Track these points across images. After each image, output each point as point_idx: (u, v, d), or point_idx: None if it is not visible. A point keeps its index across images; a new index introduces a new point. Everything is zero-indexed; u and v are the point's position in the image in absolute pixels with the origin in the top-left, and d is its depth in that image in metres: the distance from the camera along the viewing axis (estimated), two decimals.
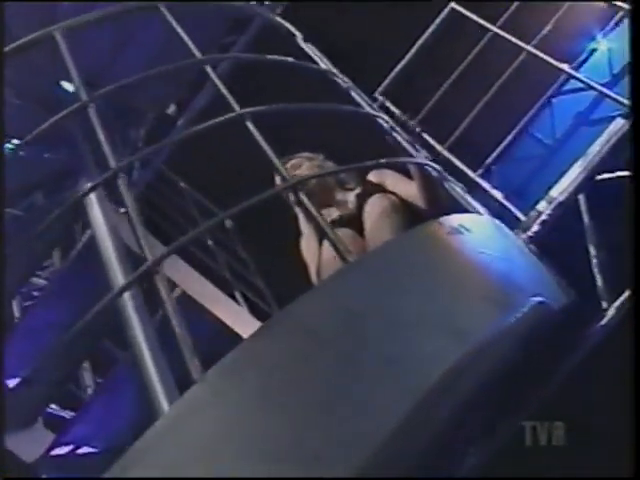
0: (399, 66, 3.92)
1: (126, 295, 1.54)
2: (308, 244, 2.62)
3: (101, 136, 1.74)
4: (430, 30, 3.80)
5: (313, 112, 2.14)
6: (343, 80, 2.62)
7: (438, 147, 3.64)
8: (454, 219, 1.81)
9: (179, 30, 2.17)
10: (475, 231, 1.83)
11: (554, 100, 6.01)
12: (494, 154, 3.58)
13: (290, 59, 2.35)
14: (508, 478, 2.07)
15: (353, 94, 2.58)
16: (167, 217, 4.07)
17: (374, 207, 2.47)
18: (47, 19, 2.52)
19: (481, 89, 3.73)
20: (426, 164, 2.29)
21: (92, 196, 2.19)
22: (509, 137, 3.62)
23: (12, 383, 3.30)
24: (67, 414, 3.79)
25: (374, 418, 1.20)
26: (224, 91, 1.92)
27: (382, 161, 2.17)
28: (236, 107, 1.85)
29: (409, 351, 1.28)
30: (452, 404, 1.25)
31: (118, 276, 1.69)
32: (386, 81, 3.94)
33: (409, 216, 2.45)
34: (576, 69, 5.52)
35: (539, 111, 5.86)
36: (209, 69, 2.00)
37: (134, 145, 5.03)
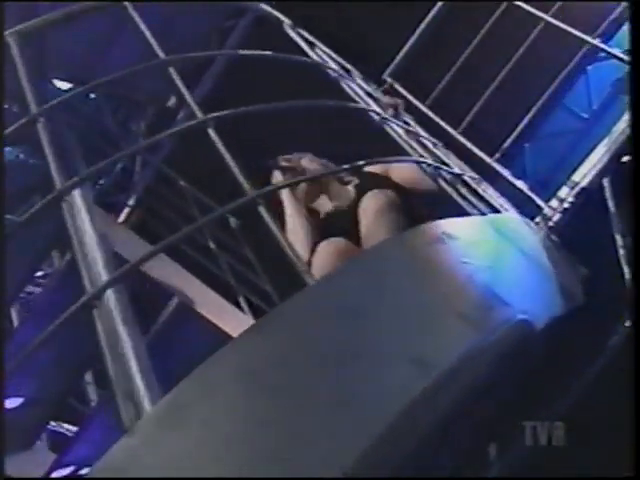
0: (407, 45, 3.84)
1: (108, 294, 1.52)
2: (295, 238, 2.59)
3: (49, 153, 1.73)
4: (439, 5, 3.72)
5: (292, 110, 2.10)
6: (333, 70, 2.58)
7: (451, 131, 3.56)
8: (438, 226, 1.77)
9: (144, 29, 2.15)
10: (462, 237, 1.78)
11: (589, 68, 5.85)
12: (513, 135, 3.48)
13: (269, 52, 2.30)
14: (508, 478, 2.08)
15: (343, 84, 2.54)
16: (166, 220, 4.06)
17: (369, 205, 2.44)
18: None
19: (498, 65, 3.64)
20: (422, 162, 2.24)
21: (77, 199, 2.21)
22: (528, 117, 3.51)
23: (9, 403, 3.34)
24: (70, 431, 3.83)
25: (328, 455, 1.17)
26: (187, 96, 1.89)
27: (371, 160, 2.13)
28: (199, 114, 1.82)
29: (368, 383, 1.25)
30: (413, 437, 1.22)
31: (101, 276, 1.68)
32: (394, 62, 3.87)
33: (409, 212, 2.42)
34: (613, 28, 5.30)
35: (572, 82, 5.73)
36: (172, 71, 1.97)
37: (135, 138, 5.06)
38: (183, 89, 1.90)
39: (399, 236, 1.72)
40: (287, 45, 3.03)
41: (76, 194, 2.31)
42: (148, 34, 2.10)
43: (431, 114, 3.65)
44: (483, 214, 2.34)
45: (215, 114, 1.83)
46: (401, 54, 3.87)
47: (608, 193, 3.00)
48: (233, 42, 4.59)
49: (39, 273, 4.25)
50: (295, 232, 2.53)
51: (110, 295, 1.55)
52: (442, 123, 3.60)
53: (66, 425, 3.90)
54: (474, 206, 2.40)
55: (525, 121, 3.58)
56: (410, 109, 3.66)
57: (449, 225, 1.80)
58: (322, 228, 2.57)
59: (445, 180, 2.25)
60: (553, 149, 5.83)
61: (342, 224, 2.52)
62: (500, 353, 1.35)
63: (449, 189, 2.16)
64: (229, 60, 4.69)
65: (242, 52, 2.29)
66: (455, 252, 1.69)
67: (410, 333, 1.37)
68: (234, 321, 3.35)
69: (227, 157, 1.70)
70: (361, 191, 2.57)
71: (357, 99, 2.49)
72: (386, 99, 3.26)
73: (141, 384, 1.39)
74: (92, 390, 3.84)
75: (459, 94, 3.66)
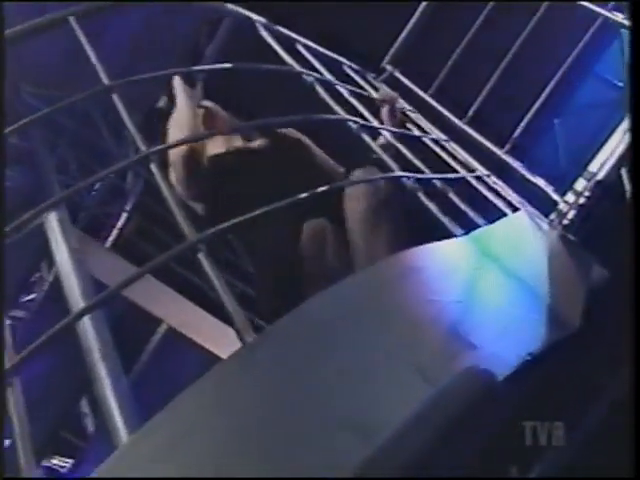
0: (406, 29, 3.78)
1: (86, 320, 1.53)
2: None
3: None
4: None
5: (257, 128, 2.09)
6: (308, 74, 2.56)
7: (457, 122, 3.51)
8: (409, 255, 1.74)
9: (88, 49, 2.14)
10: (436, 266, 1.75)
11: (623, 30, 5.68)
12: (524, 122, 3.37)
13: (229, 65, 2.29)
14: (509, 478, 2.10)
15: (319, 89, 2.52)
16: (157, 236, 4.06)
17: (358, 201, 2.40)
18: None
19: (505, 47, 3.55)
20: (402, 176, 2.20)
21: (53, 220, 2.23)
22: (545, 94, 3.40)
23: None
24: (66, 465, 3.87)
25: None
26: (130, 126, 1.88)
27: (352, 179, 2.10)
28: (142, 147, 1.82)
29: (303, 453, 1.23)
30: None
31: (78, 301, 1.68)
32: (394, 47, 3.82)
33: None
34: None
35: (603, 48, 5.58)
36: (115, 97, 1.97)
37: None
38: (126, 119, 1.89)
39: (361, 273, 1.69)
40: None
41: (52, 217, 2.34)
42: (92, 53, 2.10)
43: (434, 103, 3.60)
44: (476, 225, 2.29)
45: (157, 147, 1.82)
46: (400, 39, 3.81)
47: (627, 185, 2.92)
48: (223, 34, 4.61)
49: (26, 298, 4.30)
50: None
51: (87, 323, 1.54)
52: (446, 112, 3.56)
53: (62, 459, 3.94)
54: (466, 215, 2.37)
55: (537, 105, 3.48)
56: (411, 97, 3.62)
57: (422, 253, 1.77)
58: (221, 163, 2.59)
59: (429, 193, 2.20)
60: (587, 123, 5.72)
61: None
62: (454, 409, 1.31)
63: (431, 206, 2.11)
64: (221, 52, 4.70)
65: (200, 68, 2.27)
66: (423, 287, 1.66)
67: (355, 394, 1.34)
68: (233, 345, 3.31)
69: (169, 197, 1.69)
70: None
71: (335, 107, 2.45)
72: (381, 93, 3.23)
73: (120, 420, 1.38)
74: (89, 421, 3.88)
75: (465, 79, 3.60)
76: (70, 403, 3.55)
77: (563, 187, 3.13)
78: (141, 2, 3.73)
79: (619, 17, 3.38)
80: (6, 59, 3.54)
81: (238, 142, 2.70)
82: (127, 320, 3.07)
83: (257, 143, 2.65)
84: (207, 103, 2.81)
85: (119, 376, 1.52)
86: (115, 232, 4.39)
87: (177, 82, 2.72)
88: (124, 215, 4.48)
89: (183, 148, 2.50)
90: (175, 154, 2.53)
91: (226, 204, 2.45)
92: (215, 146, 2.67)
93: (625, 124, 3.02)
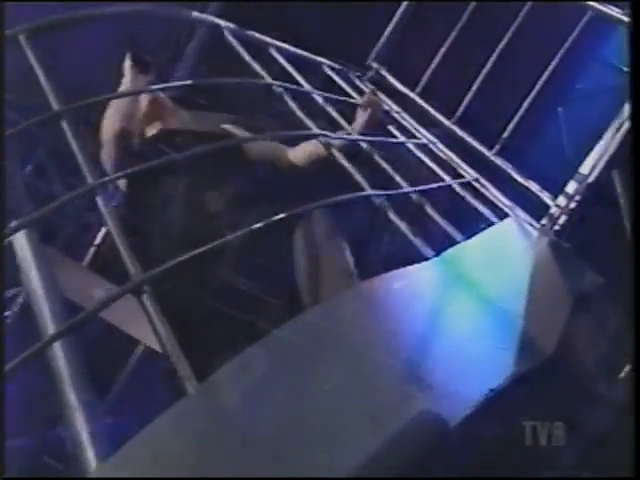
0: (392, 24, 3.75)
1: (57, 346, 1.51)
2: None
3: None
4: None
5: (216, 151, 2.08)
6: (278, 85, 2.55)
7: (445, 122, 3.48)
8: (372, 284, 1.74)
9: (38, 70, 2.14)
10: (402, 293, 1.75)
11: None
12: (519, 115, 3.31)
13: (189, 81, 2.28)
14: (508, 478, 2.13)
15: (287, 99, 2.51)
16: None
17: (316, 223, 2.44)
18: None
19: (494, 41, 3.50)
20: (374, 195, 2.19)
21: (22, 239, 2.23)
22: (534, 93, 3.34)
23: None
24: None
25: None
26: (79, 156, 1.88)
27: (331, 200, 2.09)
28: (89, 179, 1.82)
29: None
30: None
31: (48, 325, 1.67)
32: (379, 43, 3.79)
33: None
34: None
35: (606, 32, 5.53)
36: (65, 124, 1.96)
37: None
38: (75, 147, 1.89)
39: (320, 309, 1.69)
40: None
41: (21, 237, 2.33)
42: (39, 70, 2.10)
43: (421, 101, 3.58)
44: (455, 241, 2.28)
45: (104, 179, 1.82)
46: (385, 34, 3.78)
47: (618, 187, 2.88)
48: (202, 32, 4.62)
49: None
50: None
51: (58, 349, 1.53)
52: (433, 112, 3.53)
53: None
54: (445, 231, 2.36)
55: (530, 99, 3.42)
56: (398, 95, 3.60)
57: (389, 280, 1.76)
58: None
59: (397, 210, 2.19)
60: (592, 110, 5.67)
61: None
62: (401, 459, 1.30)
63: (402, 225, 2.10)
64: (201, 50, 4.72)
65: (162, 86, 2.30)
66: (384, 322, 1.65)
67: (307, 442, 1.33)
68: None
69: (115, 232, 1.69)
70: None
71: (305, 119, 2.45)
72: (365, 97, 3.20)
73: (90, 449, 1.38)
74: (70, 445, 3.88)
75: (453, 76, 3.57)
76: (50, 426, 3.56)
77: (568, 177, 3.08)
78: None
79: (615, 12, 3.32)
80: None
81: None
82: (105, 340, 3.07)
83: (188, 126, 2.77)
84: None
85: (91, 404, 1.51)
86: (93, 248, 4.38)
87: (127, 65, 2.79)
88: (102, 229, 4.48)
89: (117, 128, 2.61)
90: (109, 134, 2.63)
91: (148, 182, 2.52)
92: (152, 130, 2.79)
93: (617, 123, 3.00)
